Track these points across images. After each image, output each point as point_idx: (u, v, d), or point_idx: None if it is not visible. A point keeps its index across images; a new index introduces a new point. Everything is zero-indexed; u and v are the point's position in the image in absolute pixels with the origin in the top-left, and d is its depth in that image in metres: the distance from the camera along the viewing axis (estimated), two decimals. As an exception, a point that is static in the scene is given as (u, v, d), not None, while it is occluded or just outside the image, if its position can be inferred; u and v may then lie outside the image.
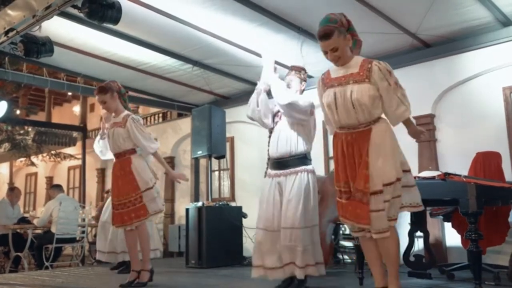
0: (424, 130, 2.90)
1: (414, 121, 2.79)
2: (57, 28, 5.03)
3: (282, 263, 3.44)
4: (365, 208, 2.48)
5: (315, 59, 5.93)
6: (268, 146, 3.67)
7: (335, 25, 2.60)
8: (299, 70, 3.81)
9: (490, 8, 4.64)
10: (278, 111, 3.67)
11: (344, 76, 2.65)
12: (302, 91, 3.75)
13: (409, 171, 2.66)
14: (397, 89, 2.60)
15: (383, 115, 2.66)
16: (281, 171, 3.54)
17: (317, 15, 4.90)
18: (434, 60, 5.52)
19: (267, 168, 3.70)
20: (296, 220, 3.37)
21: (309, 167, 3.57)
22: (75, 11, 4.27)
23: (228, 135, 6.80)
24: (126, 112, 4.00)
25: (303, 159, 3.54)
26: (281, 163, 3.55)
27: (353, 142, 2.60)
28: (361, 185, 2.50)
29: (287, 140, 3.54)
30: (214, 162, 7.01)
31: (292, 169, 3.51)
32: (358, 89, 2.57)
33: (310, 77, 6.59)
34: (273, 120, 3.71)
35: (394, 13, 4.82)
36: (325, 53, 2.66)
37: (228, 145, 7.43)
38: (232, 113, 7.24)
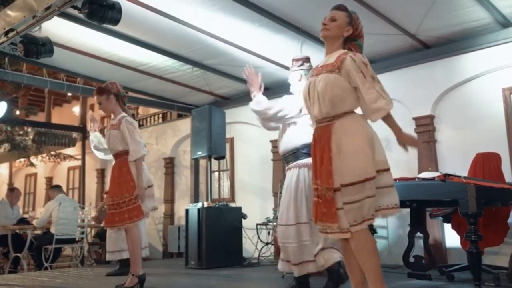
0: (415, 139, 2.62)
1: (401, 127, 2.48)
2: (57, 28, 5.03)
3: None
4: (332, 205, 2.30)
5: (315, 60, 5.92)
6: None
7: (350, 13, 2.55)
8: (295, 61, 3.77)
9: (489, 9, 4.64)
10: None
11: (322, 66, 2.55)
12: (301, 79, 3.67)
13: (385, 170, 2.34)
14: (374, 83, 2.37)
15: (357, 111, 2.47)
16: (286, 167, 3.65)
17: (317, 16, 4.90)
18: (434, 61, 5.53)
19: (286, 163, 3.75)
20: (289, 217, 3.39)
21: (302, 161, 3.50)
22: (75, 12, 4.27)
23: (228, 135, 6.80)
24: (122, 114, 3.97)
25: (295, 154, 3.53)
26: (284, 159, 3.66)
27: (319, 137, 2.45)
28: (325, 181, 2.33)
29: (283, 139, 3.59)
30: (214, 162, 7.01)
31: (289, 165, 3.57)
32: (324, 79, 2.44)
33: (310, 78, 6.63)
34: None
35: (393, 14, 4.83)
36: (323, 23, 2.56)
37: (228, 145, 7.43)
38: (232, 114, 7.24)
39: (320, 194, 2.37)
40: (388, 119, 2.42)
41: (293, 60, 3.81)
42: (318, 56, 5.76)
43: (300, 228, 3.38)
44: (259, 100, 3.56)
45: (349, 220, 2.28)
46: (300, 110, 3.52)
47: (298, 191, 3.45)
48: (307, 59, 3.78)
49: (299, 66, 3.72)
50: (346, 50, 2.49)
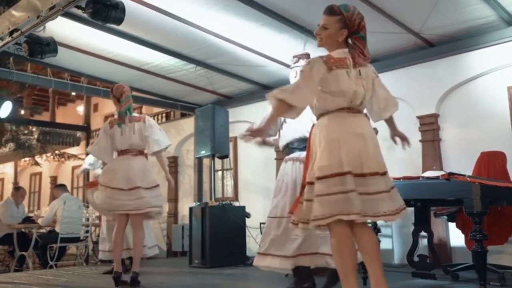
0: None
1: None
2: (61, 28, 5.04)
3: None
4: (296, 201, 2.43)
5: (318, 59, 5.94)
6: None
7: (343, 13, 2.43)
8: (294, 57, 3.77)
9: (494, 7, 4.62)
10: None
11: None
12: (297, 77, 3.69)
13: (322, 178, 2.23)
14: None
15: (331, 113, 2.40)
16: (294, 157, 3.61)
17: (320, 15, 4.91)
18: (438, 60, 5.50)
19: (284, 155, 3.75)
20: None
21: (294, 155, 3.53)
22: (79, 12, 4.29)
23: (231, 134, 6.80)
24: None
25: (289, 149, 3.58)
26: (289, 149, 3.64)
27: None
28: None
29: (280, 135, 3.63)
30: (217, 161, 7.01)
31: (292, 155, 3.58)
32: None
33: (313, 76, 6.62)
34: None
35: (397, 12, 4.81)
36: (316, 33, 2.52)
37: (231, 144, 7.43)
38: (235, 113, 7.23)
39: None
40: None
41: (293, 57, 3.82)
42: (321, 54, 5.79)
43: None
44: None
45: None
46: None
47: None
48: (304, 56, 3.74)
49: (294, 63, 3.73)
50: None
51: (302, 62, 3.67)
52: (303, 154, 3.19)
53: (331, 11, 2.45)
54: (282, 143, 3.65)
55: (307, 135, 2.61)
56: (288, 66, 5.93)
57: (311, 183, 2.29)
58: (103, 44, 5.63)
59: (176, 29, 5.20)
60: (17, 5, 4.48)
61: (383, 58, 5.77)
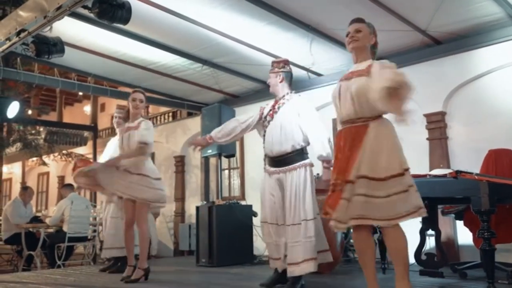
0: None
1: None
2: (68, 28, 5.07)
3: (280, 255, 3.56)
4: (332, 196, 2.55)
5: (324, 57, 5.93)
6: (264, 144, 3.70)
7: (367, 23, 2.77)
8: (276, 63, 3.84)
9: (501, 4, 4.58)
10: (270, 111, 3.68)
11: (351, 72, 2.72)
12: (283, 81, 3.74)
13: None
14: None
15: (386, 115, 2.61)
16: (280, 168, 3.59)
17: (327, 13, 4.93)
18: (445, 57, 5.47)
19: (264, 164, 3.77)
20: (298, 215, 3.41)
21: (306, 161, 3.58)
22: (85, 12, 4.31)
23: (237, 134, 6.80)
24: (141, 118, 4.28)
25: (300, 154, 3.56)
26: (279, 161, 3.59)
27: (353, 135, 2.58)
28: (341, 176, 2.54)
29: (282, 137, 3.55)
30: (224, 160, 7.02)
31: (290, 166, 3.53)
32: (356, 82, 2.60)
33: (319, 75, 6.61)
34: (265, 119, 3.71)
35: (404, 10, 4.79)
36: (347, 35, 2.74)
37: (237, 143, 7.43)
38: (242, 112, 7.21)
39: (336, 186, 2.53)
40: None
41: (274, 62, 3.88)
42: (327, 53, 5.80)
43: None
44: (215, 134, 3.84)
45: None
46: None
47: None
48: (287, 62, 3.87)
49: (280, 68, 3.79)
50: (373, 60, 2.68)
51: (288, 68, 3.81)
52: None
53: (359, 19, 2.78)
54: (272, 154, 3.64)
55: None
56: (294, 65, 5.94)
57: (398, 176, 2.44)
58: (110, 43, 5.65)
59: (182, 28, 5.21)
60: (24, 6, 4.51)
61: (389, 56, 5.74)
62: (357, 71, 2.67)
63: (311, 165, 3.59)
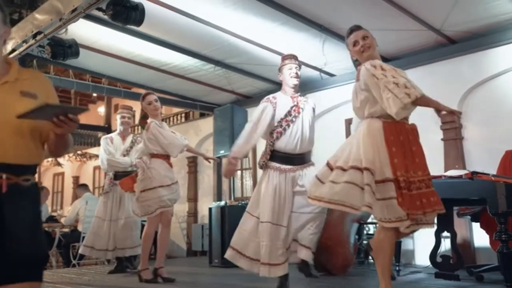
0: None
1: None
2: (83, 30, 5.13)
3: (286, 257, 3.45)
4: (435, 194, 2.53)
5: (336, 57, 5.90)
6: (278, 139, 3.56)
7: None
8: (294, 57, 3.80)
9: (518, 2, 4.51)
10: (294, 107, 3.60)
11: None
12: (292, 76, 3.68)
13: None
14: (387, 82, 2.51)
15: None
16: (298, 166, 3.51)
17: (339, 13, 4.90)
18: (460, 57, 5.40)
19: (267, 161, 3.59)
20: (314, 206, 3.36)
21: (312, 162, 3.64)
22: (99, 14, 4.35)
23: (250, 134, 6.80)
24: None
25: (310, 153, 3.65)
26: (300, 158, 3.54)
27: (407, 132, 2.61)
28: (426, 172, 2.55)
29: (307, 136, 3.54)
30: (237, 161, 7.02)
31: (307, 164, 3.55)
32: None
33: (332, 75, 6.57)
34: (288, 114, 3.61)
35: (418, 9, 4.74)
36: (355, 44, 2.75)
37: (250, 144, 7.43)
38: (254, 113, 7.23)
39: (426, 184, 2.52)
40: (422, 101, 2.56)
41: (293, 56, 3.84)
42: (340, 53, 5.76)
43: None
44: (240, 152, 3.66)
45: None
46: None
47: None
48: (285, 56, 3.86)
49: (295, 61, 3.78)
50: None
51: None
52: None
53: (359, 26, 2.85)
54: (297, 150, 3.56)
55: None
56: (307, 65, 5.93)
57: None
58: (123, 45, 5.70)
59: (194, 30, 5.23)
60: (40, 8, 4.58)
61: (404, 56, 5.70)
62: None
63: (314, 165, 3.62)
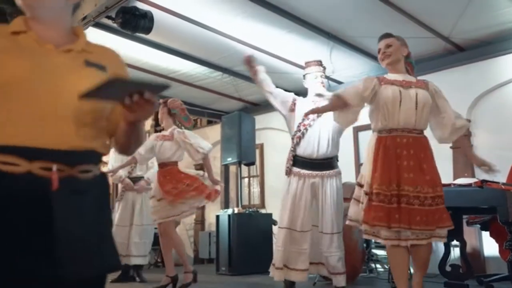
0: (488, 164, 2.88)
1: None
2: (92, 38, 5.13)
3: (307, 266, 3.43)
4: (444, 211, 2.56)
5: (344, 65, 5.90)
6: (298, 144, 3.59)
7: (396, 36, 2.87)
8: (321, 63, 3.84)
9: (527, 9, 4.49)
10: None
11: (404, 81, 2.73)
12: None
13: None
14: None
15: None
16: (318, 172, 3.49)
17: (347, 21, 4.91)
18: (469, 64, 5.38)
19: (290, 167, 3.62)
20: (336, 225, 3.39)
21: (338, 169, 3.61)
22: (109, 22, 4.39)
23: (257, 142, 6.81)
24: (173, 126, 4.43)
25: (336, 161, 3.58)
26: (320, 164, 3.51)
27: (408, 146, 2.61)
28: (433, 189, 2.54)
29: (329, 141, 3.51)
30: (244, 169, 7.03)
31: (330, 171, 3.50)
32: (422, 93, 2.68)
33: (339, 82, 6.57)
34: (307, 117, 3.60)
35: (426, 17, 4.73)
36: (379, 52, 2.83)
37: (257, 152, 7.44)
38: (262, 120, 7.24)
39: (428, 201, 2.51)
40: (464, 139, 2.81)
41: (321, 63, 3.86)
42: (348, 61, 5.77)
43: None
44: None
45: None
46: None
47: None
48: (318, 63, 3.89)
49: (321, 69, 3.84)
50: (418, 79, 2.81)
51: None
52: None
53: (388, 34, 2.86)
54: (316, 154, 3.56)
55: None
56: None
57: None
58: (132, 53, 5.74)
59: (203, 37, 5.26)
60: (50, 17, 4.62)
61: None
62: (411, 82, 2.72)
63: (341, 173, 3.59)
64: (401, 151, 2.55)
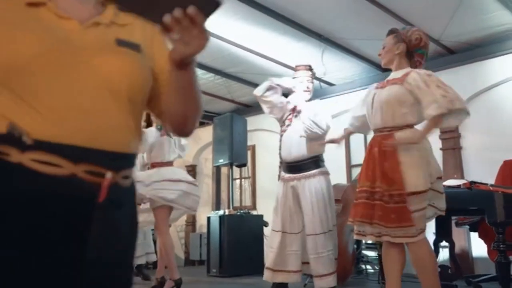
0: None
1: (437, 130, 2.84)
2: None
3: (299, 267, 3.46)
4: (405, 209, 2.44)
5: (336, 67, 5.93)
6: (280, 149, 3.68)
7: (399, 31, 2.78)
8: (310, 69, 3.83)
9: (516, 13, 4.55)
10: (289, 114, 3.67)
11: (388, 80, 2.75)
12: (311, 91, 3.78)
13: (440, 178, 2.68)
14: (438, 89, 2.53)
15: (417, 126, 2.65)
16: (295, 175, 3.54)
17: (339, 23, 4.94)
18: (459, 67, 5.43)
19: (280, 172, 3.72)
20: (319, 226, 3.39)
21: (323, 169, 3.59)
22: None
23: (249, 143, 6.81)
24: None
25: (317, 161, 3.55)
26: (295, 166, 3.56)
27: (379, 145, 2.61)
28: (396, 187, 2.47)
29: (300, 143, 3.54)
30: (236, 170, 7.02)
31: (308, 172, 3.51)
32: (387, 90, 2.64)
33: (331, 84, 6.60)
34: (283, 123, 3.71)
35: (417, 19, 4.77)
36: (379, 54, 2.86)
37: (249, 153, 7.44)
38: (254, 122, 7.25)
39: (385, 198, 2.48)
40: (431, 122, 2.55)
41: (310, 68, 3.90)
42: (339, 63, 5.80)
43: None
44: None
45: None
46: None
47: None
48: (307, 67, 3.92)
49: (313, 76, 3.90)
50: (411, 69, 2.71)
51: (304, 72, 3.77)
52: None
53: (389, 32, 2.83)
54: (289, 157, 3.62)
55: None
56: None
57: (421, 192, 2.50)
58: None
59: (194, 39, 5.25)
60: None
61: (402, 66, 5.73)
62: (392, 79, 2.71)
63: (328, 173, 3.59)
64: (376, 150, 2.60)
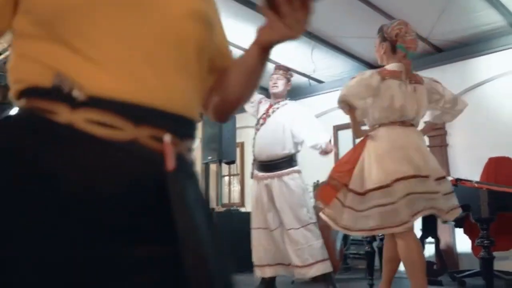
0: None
1: None
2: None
3: (275, 261, 3.56)
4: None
5: (325, 64, 5.95)
6: (253, 147, 3.69)
7: (382, 29, 2.87)
8: (287, 70, 3.84)
9: (503, 12, 4.61)
10: (264, 114, 3.70)
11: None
12: (289, 88, 3.84)
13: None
14: None
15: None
16: (269, 174, 3.58)
17: (328, 20, 4.95)
18: (446, 65, 5.49)
19: (253, 169, 3.75)
20: (297, 221, 3.41)
21: (296, 168, 3.61)
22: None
23: (238, 140, 6.81)
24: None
25: (290, 161, 3.58)
26: (268, 165, 3.58)
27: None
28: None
29: (273, 143, 3.56)
30: (224, 167, 7.02)
31: (280, 172, 3.53)
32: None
33: (320, 82, 6.62)
34: (257, 121, 3.74)
35: (405, 18, 4.71)
36: None
37: (238, 150, 7.44)
38: (243, 118, 7.23)
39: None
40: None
41: (282, 67, 3.93)
42: (329, 60, 5.82)
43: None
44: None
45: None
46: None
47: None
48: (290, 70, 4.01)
49: (288, 75, 3.93)
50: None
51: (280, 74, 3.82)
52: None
53: (377, 32, 2.89)
54: (261, 157, 3.65)
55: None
56: (296, 72, 5.95)
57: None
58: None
59: (184, 35, 5.24)
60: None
61: (390, 64, 5.77)
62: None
63: (299, 172, 3.62)
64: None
